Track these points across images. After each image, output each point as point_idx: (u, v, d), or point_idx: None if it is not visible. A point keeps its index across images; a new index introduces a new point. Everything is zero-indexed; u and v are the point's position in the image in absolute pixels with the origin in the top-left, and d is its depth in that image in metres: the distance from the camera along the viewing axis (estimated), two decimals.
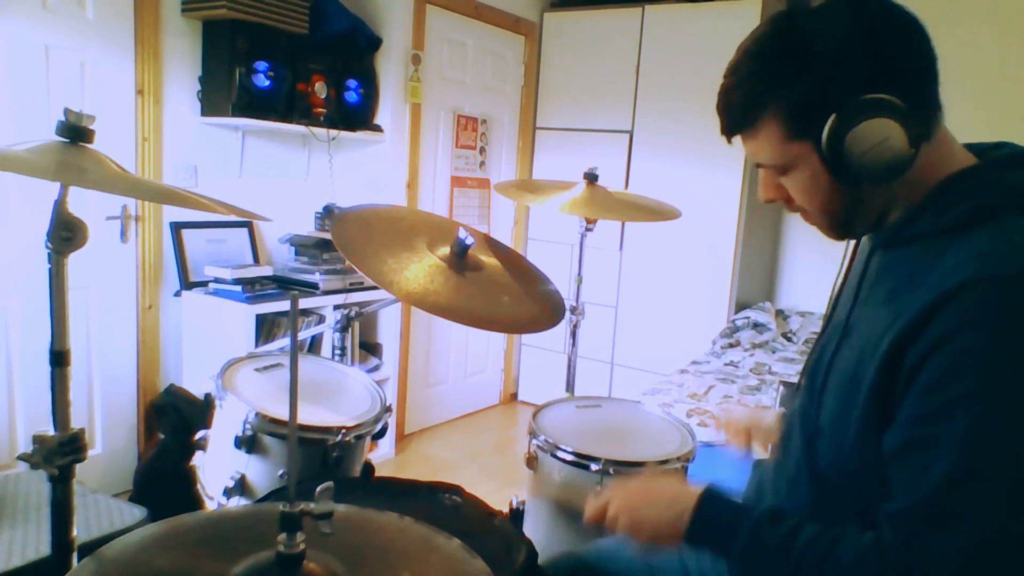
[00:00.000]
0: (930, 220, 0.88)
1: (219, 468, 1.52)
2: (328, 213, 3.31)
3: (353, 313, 1.95)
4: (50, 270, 1.03)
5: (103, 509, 1.90)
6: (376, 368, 3.48)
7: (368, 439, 1.59)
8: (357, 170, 3.51)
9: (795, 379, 2.84)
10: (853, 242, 1.13)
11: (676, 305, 3.85)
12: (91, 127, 1.05)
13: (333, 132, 3.21)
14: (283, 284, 3.02)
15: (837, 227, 0.96)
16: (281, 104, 2.95)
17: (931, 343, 0.79)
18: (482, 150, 4.06)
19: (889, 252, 0.94)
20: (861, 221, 0.95)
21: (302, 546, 0.71)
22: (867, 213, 0.93)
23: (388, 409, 1.63)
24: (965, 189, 0.87)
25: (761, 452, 1.34)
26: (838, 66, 0.84)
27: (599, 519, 1.01)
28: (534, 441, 1.67)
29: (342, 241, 1.50)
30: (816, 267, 4.01)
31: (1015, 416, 0.76)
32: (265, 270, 2.96)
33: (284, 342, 2.33)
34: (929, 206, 0.88)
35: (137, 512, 1.92)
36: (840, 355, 0.95)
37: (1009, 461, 0.76)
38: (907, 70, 0.86)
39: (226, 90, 2.80)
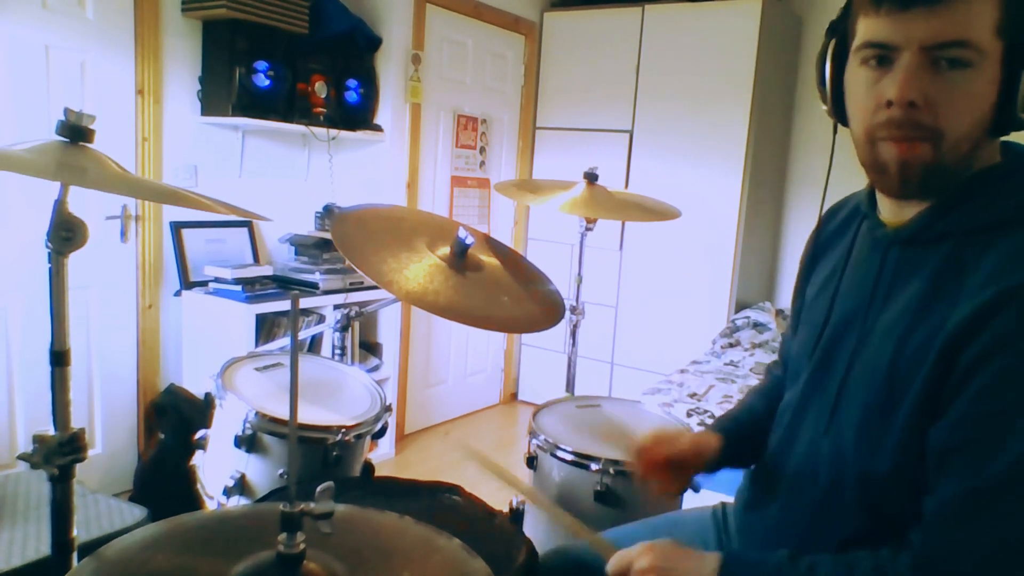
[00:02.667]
0: (965, 216, 0.86)
1: (219, 467, 1.52)
2: (328, 213, 3.31)
3: (353, 313, 1.95)
4: (50, 270, 1.03)
5: (103, 509, 1.90)
6: (376, 368, 3.48)
7: (368, 438, 1.59)
8: (357, 170, 3.51)
9: None
10: (810, 238, 1.11)
11: (676, 305, 3.85)
12: (91, 127, 1.05)
13: (333, 132, 3.21)
14: (283, 284, 3.02)
15: (946, 168, 0.85)
16: (281, 104, 2.95)
17: (989, 344, 0.78)
18: (482, 150, 4.06)
19: (911, 249, 0.91)
20: (950, 177, 0.86)
21: (302, 546, 0.71)
22: (957, 169, 0.86)
23: (388, 408, 1.63)
24: (1007, 186, 0.86)
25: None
26: None
27: (624, 573, 0.97)
28: (534, 441, 1.68)
29: (342, 241, 1.50)
30: None
31: None
32: (265, 270, 2.96)
33: (284, 342, 2.33)
34: (964, 202, 0.86)
35: (137, 512, 1.92)
36: (864, 357, 0.92)
37: None
38: None
39: (226, 90, 2.80)
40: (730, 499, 1.25)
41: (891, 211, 0.95)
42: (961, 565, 0.78)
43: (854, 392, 0.92)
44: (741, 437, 1.18)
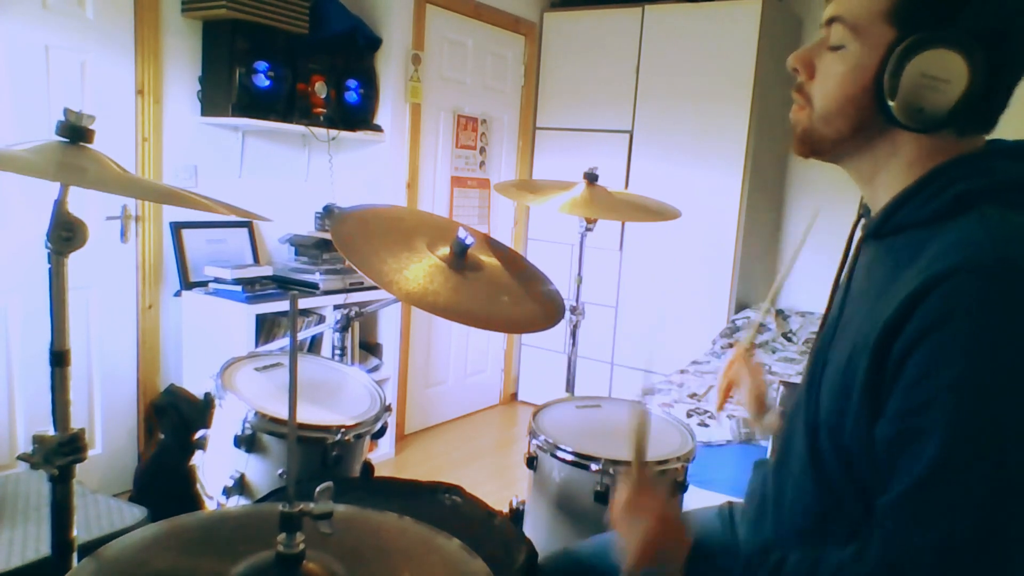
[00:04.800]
0: (915, 209, 0.87)
1: (219, 467, 1.52)
2: (328, 213, 3.31)
3: (353, 313, 1.95)
4: (50, 270, 1.03)
5: (103, 509, 1.90)
6: (376, 368, 3.48)
7: (368, 438, 1.59)
8: (357, 170, 3.51)
9: (796, 379, 2.84)
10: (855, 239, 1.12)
11: (676, 305, 3.85)
12: (91, 127, 1.05)
13: (333, 132, 3.21)
14: (283, 284, 3.02)
15: (816, 136, 0.93)
16: (281, 104, 2.95)
17: (914, 336, 0.77)
18: (482, 150, 4.06)
19: (878, 242, 0.92)
20: (835, 152, 0.93)
21: (302, 546, 0.71)
22: (846, 151, 0.92)
23: (388, 408, 1.63)
24: (950, 177, 0.86)
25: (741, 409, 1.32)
26: None
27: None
28: (534, 441, 1.67)
29: (342, 241, 1.50)
30: (816, 267, 4.00)
31: (996, 408, 0.74)
32: (265, 270, 2.96)
33: (284, 342, 2.33)
34: (916, 194, 0.87)
35: (137, 512, 1.92)
36: (834, 350, 0.93)
37: (989, 455, 0.74)
38: (1017, 56, 0.83)
39: (226, 90, 2.80)
40: (737, 500, 1.25)
41: (872, 205, 0.96)
42: (915, 566, 0.77)
43: (826, 389, 0.92)
44: None
